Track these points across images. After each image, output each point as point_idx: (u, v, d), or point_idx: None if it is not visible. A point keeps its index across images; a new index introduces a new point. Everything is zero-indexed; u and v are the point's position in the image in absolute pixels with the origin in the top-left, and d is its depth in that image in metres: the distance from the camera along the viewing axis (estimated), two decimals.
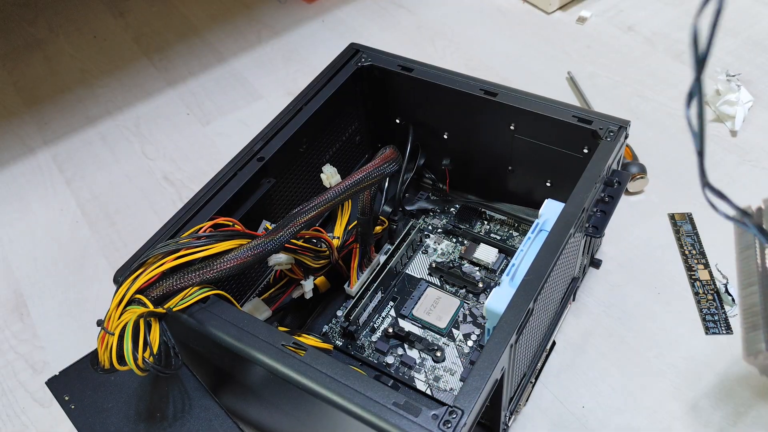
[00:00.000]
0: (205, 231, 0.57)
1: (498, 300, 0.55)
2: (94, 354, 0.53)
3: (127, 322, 0.51)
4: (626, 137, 0.65)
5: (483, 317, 0.71)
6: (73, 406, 0.56)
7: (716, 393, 0.67)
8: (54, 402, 0.73)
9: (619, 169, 0.67)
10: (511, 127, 0.71)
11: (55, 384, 0.57)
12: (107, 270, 0.86)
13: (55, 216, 0.94)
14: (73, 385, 0.57)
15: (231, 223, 0.59)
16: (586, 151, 0.67)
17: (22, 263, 0.89)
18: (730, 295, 0.73)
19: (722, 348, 0.70)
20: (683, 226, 0.81)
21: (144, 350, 0.50)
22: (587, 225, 0.63)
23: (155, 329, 0.52)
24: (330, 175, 0.65)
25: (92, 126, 1.07)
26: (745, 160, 0.88)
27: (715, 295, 0.74)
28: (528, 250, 0.59)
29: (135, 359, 0.50)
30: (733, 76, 0.95)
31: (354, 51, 0.78)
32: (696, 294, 0.75)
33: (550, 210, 0.62)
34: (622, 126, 0.65)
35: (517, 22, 1.17)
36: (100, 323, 0.52)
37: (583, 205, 0.59)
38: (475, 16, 1.19)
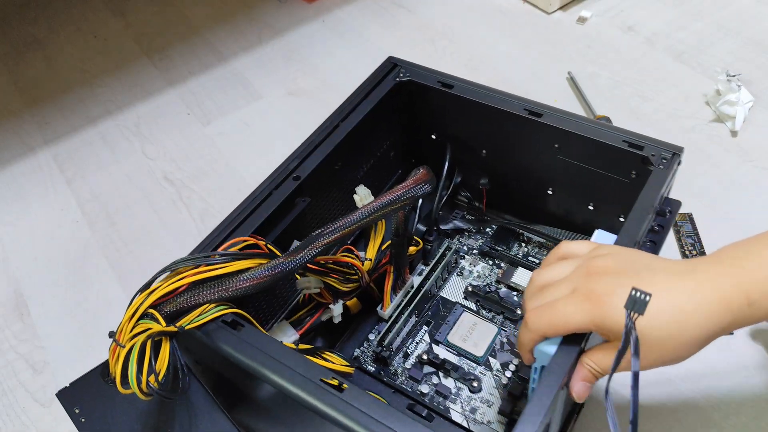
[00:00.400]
0: (230, 249, 0.56)
1: (548, 342, 0.52)
2: (104, 365, 0.52)
3: (133, 345, 0.49)
4: (679, 164, 0.63)
5: None
6: (83, 420, 0.55)
7: (716, 393, 0.67)
8: (54, 402, 0.73)
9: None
10: (555, 148, 0.69)
11: (66, 396, 0.57)
12: (107, 270, 0.86)
13: (56, 216, 0.94)
14: (83, 398, 0.56)
15: (263, 242, 0.57)
16: (633, 175, 0.65)
17: (22, 263, 0.89)
18: None
19: (722, 348, 0.70)
20: (683, 227, 0.81)
21: (149, 374, 0.49)
22: None
23: (165, 349, 0.50)
24: (363, 197, 0.62)
25: (93, 126, 1.07)
26: (746, 160, 0.88)
27: None
28: None
29: (139, 383, 0.48)
30: (734, 76, 0.95)
31: (392, 65, 0.75)
32: None
33: (601, 242, 0.58)
34: (676, 153, 0.62)
35: (518, 22, 1.17)
36: (111, 335, 0.51)
37: (637, 239, 0.56)
38: (475, 16, 1.19)
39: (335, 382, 0.47)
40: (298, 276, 0.61)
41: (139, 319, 0.51)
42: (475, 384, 0.66)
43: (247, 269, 0.53)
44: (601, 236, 0.59)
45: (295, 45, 1.18)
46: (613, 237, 0.57)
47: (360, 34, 1.18)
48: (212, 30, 1.24)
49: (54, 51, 1.23)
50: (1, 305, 0.84)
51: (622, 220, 0.70)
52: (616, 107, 0.97)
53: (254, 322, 0.54)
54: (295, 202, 0.66)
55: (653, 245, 0.60)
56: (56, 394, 0.57)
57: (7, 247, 0.91)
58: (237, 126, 1.05)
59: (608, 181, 0.67)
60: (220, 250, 0.57)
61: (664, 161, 0.62)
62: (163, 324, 0.51)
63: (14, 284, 0.86)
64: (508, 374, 0.66)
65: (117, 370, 0.50)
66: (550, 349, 0.50)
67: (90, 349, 0.78)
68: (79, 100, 1.12)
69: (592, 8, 1.16)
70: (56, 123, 1.08)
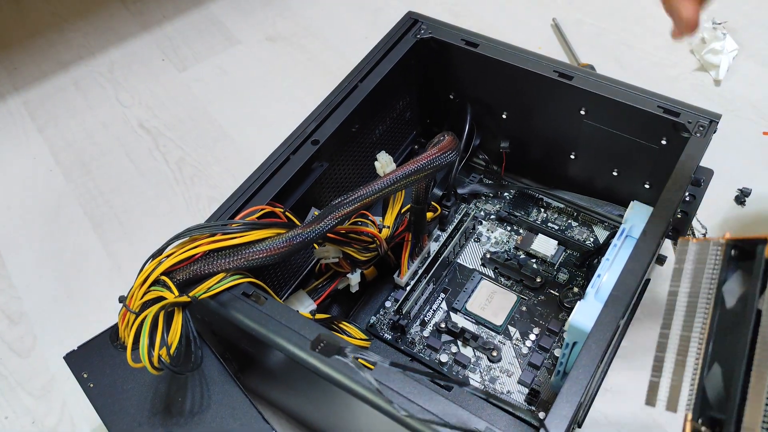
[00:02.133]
0: (253, 218, 0.54)
1: (584, 316, 0.51)
2: (114, 329, 0.51)
3: (145, 317, 0.48)
4: (715, 132, 0.60)
5: (541, 315, 0.68)
6: (91, 385, 0.54)
7: None
8: (33, 352, 0.73)
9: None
10: (581, 112, 0.67)
11: (74, 359, 0.55)
12: (83, 219, 0.85)
13: (28, 164, 0.92)
14: (92, 362, 0.55)
15: (281, 210, 0.56)
16: (664, 142, 0.63)
17: None
18: None
19: None
20: None
21: (161, 347, 0.48)
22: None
23: (177, 321, 0.49)
24: (385, 164, 0.60)
25: (65, 71, 1.04)
26: (728, 109, 0.88)
27: None
28: (614, 259, 0.54)
29: (150, 358, 0.47)
30: (720, 23, 0.93)
31: (412, 21, 0.72)
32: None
33: (637, 214, 0.57)
34: (714, 120, 0.60)
35: None
36: (122, 299, 0.50)
37: (674, 209, 0.54)
38: None
39: (367, 364, 0.46)
40: (316, 245, 0.60)
41: (150, 286, 0.50)
42: (494, 353, 0.65)
43: (265, 239, 0.52)
44: (637, 208, 0.57)
45: None
46: (649, 209, 0.55)
47: None
48: None
49: None
50: None
51: (647, 187, 0.68)
52: (601, 55, 0.96)
53: (272, 293, 0.53)
54: (313, 167, 0.63)
55: (685, 216, 0.58)
56: (63, 358, 0.55)
57: None
58: (214, 72, 1.02)
59: (636, 147, 0.65)
60: (237, 218, 0.55)
61: (701, 129, 0.59)
62: (176, 293, 0.49)
63: None
64: (528, 344, 0.66)
65: (128, 338, 0.49)
66: (585, 326, 0.48)
67: (67, 299, 0.77)
68: (49, 44, 1.08)
69: None
70: (26, 68, 1.05)
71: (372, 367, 0.47)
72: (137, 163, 0.91)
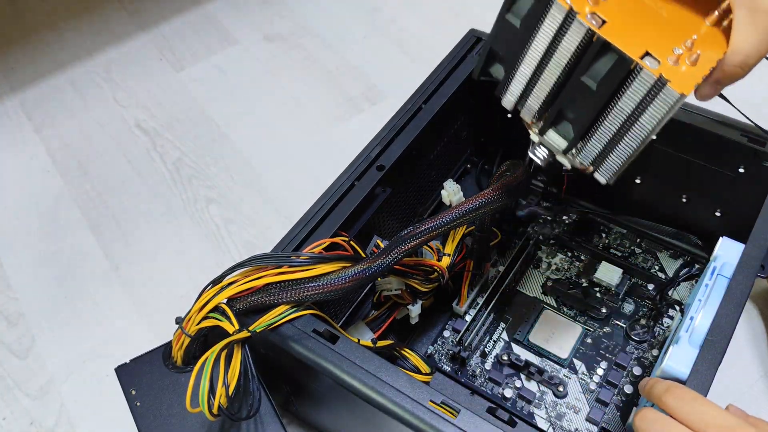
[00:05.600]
0: (320, 251, 0.53)
1: (680, 363, 0.48)
2: (168, 347, 0.50)
3: (206, 359, 0.47)
4: None
5: (607, 348, 0.65)
6: (138, 403, 0.53)
7: None
8: (31, 353, 0.73)
9: None
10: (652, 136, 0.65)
11: (124, 373, 0.55)
12: (81, 220, 0.84)
13: (25, 164, 0.92)
14: (142, 378, 0.54)
15: (347, 239, 0.55)
16: (741, 170, 0.60)
17: None
18: None
19: None
20: None
21: (220, 388, 0.47)
22: None
23: (236, 358, 0.48)
24: (451, 193, 0.59)
25: (61, 71, 1.04)
26: None
27: None
28: (707, 301, 0.51)
29: (210, 406, 0.46)
30: None
31: (475, 39, 0.70)
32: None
33: (728, 251, 0.53)
34: None
35: None
36: (178, 321, 0.49)
37: (767, 247, 0.52)
38: None
39: (449, 413, 0.45)
40: (379, 277, 0.58)
41: (209, 312, 0.49)
42: (560, 388, 0.61)
43: (331, 272, 0.50)
44: (727, 244, 0.54)
45: None
46: (739, 246, 0.53)
47: None
48: None
49: None
50: None
51: (718, 215, 0.65)
52: None
53: (335, 325, 0.52)
54: (376, 192, 0.62)
55: None
56: (115, 369, 0.54)
57: None
58: (211, 72, 1.02)
59: (709, 174, 0.62)
60: (305, 251, 0.54)
61: None
62: (236, 325, 0.48)
63: None
64: (596, 378, 0.63)
65: (179, 356, 0.49)
66: (682, 373, 0.46)
67: (65, 300, 0.77)
68: (46, 44, 1.08)
69: None
70: (22, 68, 1.05)
71: (455, 414, 0.45)
72: (134, 163, 0.90)
